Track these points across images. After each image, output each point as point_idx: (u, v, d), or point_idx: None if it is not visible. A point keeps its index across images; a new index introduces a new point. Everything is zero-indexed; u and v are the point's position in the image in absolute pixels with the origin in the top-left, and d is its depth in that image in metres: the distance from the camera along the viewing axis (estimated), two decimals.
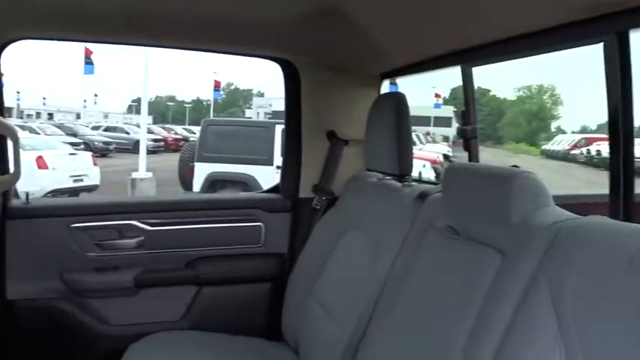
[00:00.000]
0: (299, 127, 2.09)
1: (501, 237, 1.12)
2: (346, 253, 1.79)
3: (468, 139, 1.64)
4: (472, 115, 1.66)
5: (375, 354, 1.35)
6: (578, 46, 1.30)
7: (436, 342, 1.16)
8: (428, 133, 22.20)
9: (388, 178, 1.84)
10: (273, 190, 2.21)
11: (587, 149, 15.82)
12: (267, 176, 6.89)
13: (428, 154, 11.38)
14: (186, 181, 8.46)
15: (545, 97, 35.04)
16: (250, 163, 7.53)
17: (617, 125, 1.25)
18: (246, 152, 7.62)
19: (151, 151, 18.53)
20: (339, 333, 1.54)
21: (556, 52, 1.46)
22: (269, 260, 2.11)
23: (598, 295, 0.86)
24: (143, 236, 1.95)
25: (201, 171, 7.83)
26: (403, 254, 1.44)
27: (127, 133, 20.39)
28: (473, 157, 1.65)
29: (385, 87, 2.16)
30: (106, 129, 21.10)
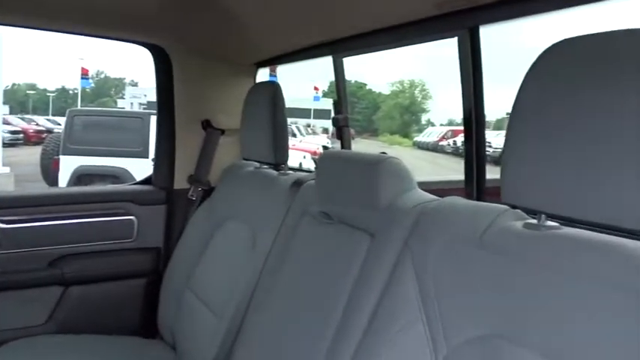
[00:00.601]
0: (172, 116, 2.02)
1: (371, 220, 1.17)
2: (223, 244, 1.77)
3: (340, 128, 1.69)
4: (344, 105, 1.72)
5: (252, 343, 1.35)
6: (437, 39, 1.40)
7: (307, 333, 1.19)
8: (308, 125, 22.60)
9: (264, 167, 1.85)
10: (146, 181, 2.12)
11: (454, 140, 17.11)
12: (143, 169, 6.58)
13: (308, 146, 11.58)
14: (50, 176, 7.79)
15: (416, 92, 37.22)
16: (123, 155, 7.11)
17: (471, 116, 1.36)
18: (118, 144, 7.18)
19: (8, 144, 16.83)
20: (217, 325, 1.53)
21: (426, 48, 1.55)
22: (143, 255, 2.02)
23: (455, 269, 0.93)
24: None
25: (68, 165, 7.25)
26: (279, 242, 1.46)
27: None
28: (345, 144, 1.71)
29: (265, 77, 2.16)
30: None
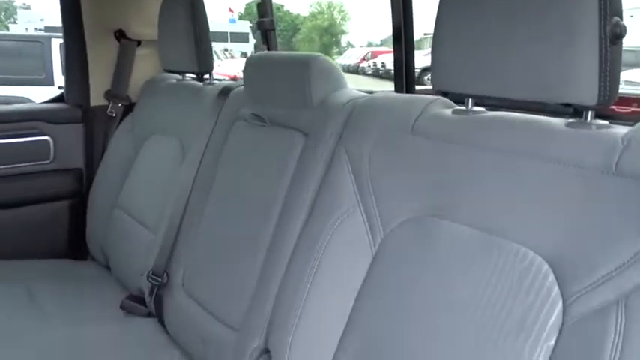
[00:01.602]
0: (80, 26, 1.87)
1: (303, 119, 1.18)
2: (150, 159, 1.72)
3: (266, 32, 1.64)
4: (268, 7, 1.66)
5: (188, 255, 1.36)
6: None
7: (246, 233, 1.21)
8: (226, 50, 21.79)
9: (188, 78, 1.78)
10: (59, 99, 1.99)
11: (374, 62, 17.20)
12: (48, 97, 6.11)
13: (227, 70, 11.24)
14: None
15: (335, 13, 36.60)
16: (23, 83, 6.55)
17: (400, 28, 1.37)
18: (16, 72, 6.58)
19: None
20: (151, 239, 1.51)
21: None
22: (63, 177, 1.92)
23: (389, 157, 0.96)
24: None
25: None
26: (209, 152, 1.43)
27: None
28: (272, 47, 1.67)
29: None
30: None
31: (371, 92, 1.16)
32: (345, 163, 1.03)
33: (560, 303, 0.70)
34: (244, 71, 1.34)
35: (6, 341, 1.29)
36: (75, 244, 1.92)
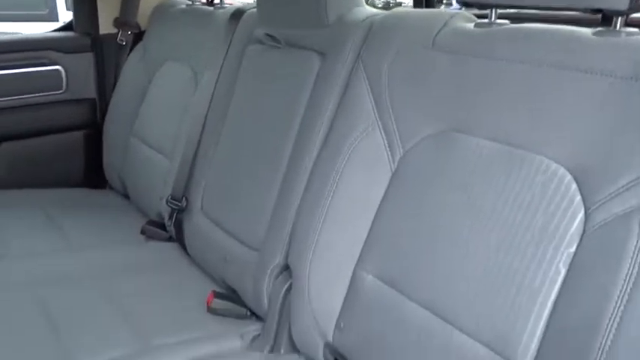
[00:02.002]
0: None
1: (320, 38, 1.15)
2: (164, 87, 1.71)
3: None
4: None
5: (207, 175, 1.37)
6: None
7: (264, 155, 1.21)
8: None
9: (197, 3, 1.74)
10: (67, 27, 1.95)
11: None
12: None
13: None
14: None
15: None
16: (25, 19, 6.38)
17: None
18: (14, 6, 6.39)
19: None
20: (168, 165, 1.53)
21: None
22: (77, 107, 1.92)
23: (408, 73, 0.95)
24: None
25: None
26: (224, 76, 1.42)
27: None
28: None
29: None
30: None
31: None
32: (363, 81, 1.01)
33: (582, 211, 0.70)
34: None
35: (28, 262, 1.33)
36: (92, 174, 1.94)
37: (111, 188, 1.90)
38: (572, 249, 0.70)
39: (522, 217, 0.75)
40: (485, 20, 0.90)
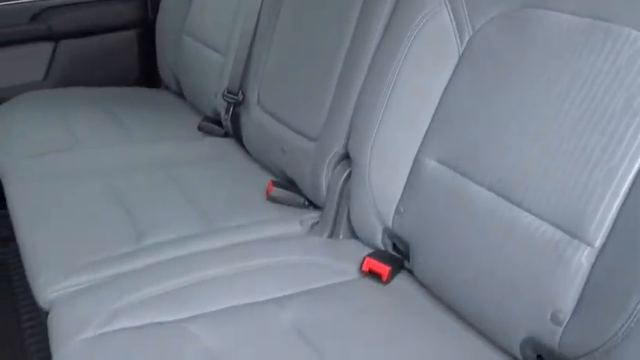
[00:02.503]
0: None
1: None
2: None
3: None
4: None
5: (263, 67, 1.36)
6: None
7: (323, 42, 1.18)
8: None
9: None
10: None
11: None
12: None
13: None
14: None
15: None
16: None
17: None
18: None
19: None
20: (223, 61, 1.51)
21: None
22: (129, 4, 1.91)
23: None
24: None
25: None
26: None
27: None
28: None
29: None
30: None
31: None
32: None
33: None
34: None
35: (95, 153, 1.38)
36: (147, 73, 1.96)
37: (166, 87, 1.92)
38: None
39: (603, 93, 0.71)
40: None
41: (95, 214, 1.10)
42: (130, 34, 1.94)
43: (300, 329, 0.83)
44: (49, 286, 0.89)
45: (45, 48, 1.82)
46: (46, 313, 0.88)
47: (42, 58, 1.83)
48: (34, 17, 1.77)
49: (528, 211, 0.76)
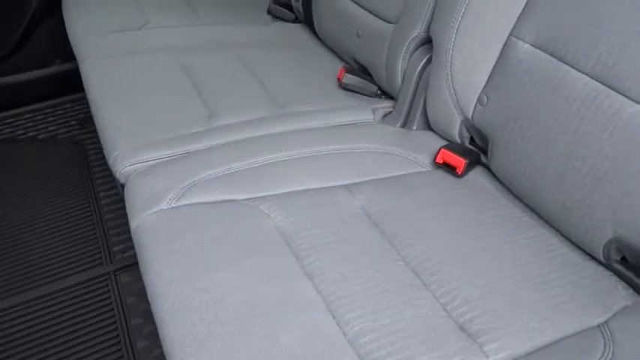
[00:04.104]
0: None
1: None
2: None
3: None
4: None
5: None
6: None
7: None
8: None
9: None
10: None
11: None
12: None
13: None
14: None
15: None
16: None
17: None
18: None
19: None
20: None
21: None
22: None
23: None
24: None
25: None
26: None
27: None
28: None
29: None
30: None
31: None
32: None
33: None
34: None
35: (166, 32, 1.36)
36: None
37: None
38: None
39: None
40: None
41: (168, 91, 1.09)
42: None
43: (370, 215, 0.82)
44: (125, 159, 0.91)
45: None
46: (122, 186, 0.90)
47: None
48: None
49: (636, 100, 0.68)
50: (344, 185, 0.87)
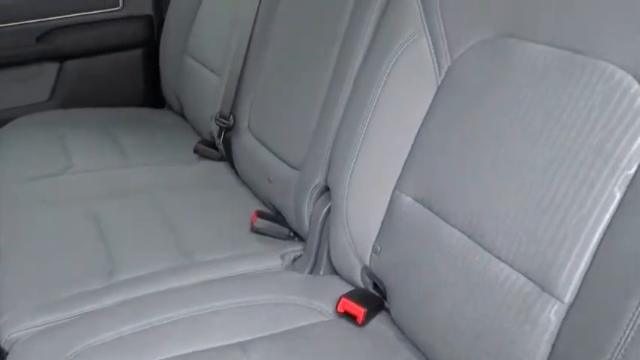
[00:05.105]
0: None
1: None
2: (214, 2, 1.65)
3: None
4: None
5: (254, 91, 1.33)
6: None
7: (308, 69, 1.15)
8: None
9: None
10: None
11: None
12: None
13: None
14: None
15: None
16: None
17: None
18: None
19: None
20: (217, 82, 1.50)
21: None
22: (134, 24, 1.91)
23: None
24: None
25: None
26: None
27: None
28: None
29: None
30: None
31: None
32: None
33: None
34: None
35: (86, 178, 1.38)
36: (151, 93, 1.96)
37: (170, 107, 1.91)
38: (632, 170, 0.60)
39: (577, 134, 0.65)
40: None
41: (71, 245, 1.08)
42: (136, 54, 1.94)
43: None
44: (12, 326, 0.88)
45: (50, 68, 1.84)
46: (6, 354, 0.86)
47: (48, 78, 1.85)
48: (40, 37, 1.79)
49: (499, 258, 0.70)
50: (238, 343, 0.85)
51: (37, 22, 1.77)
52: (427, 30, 0.87)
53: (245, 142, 1.33)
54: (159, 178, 1.40)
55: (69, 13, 1.79)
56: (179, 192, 1.32)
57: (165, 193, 1.31)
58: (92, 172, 1.41)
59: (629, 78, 0.62)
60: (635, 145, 0.60)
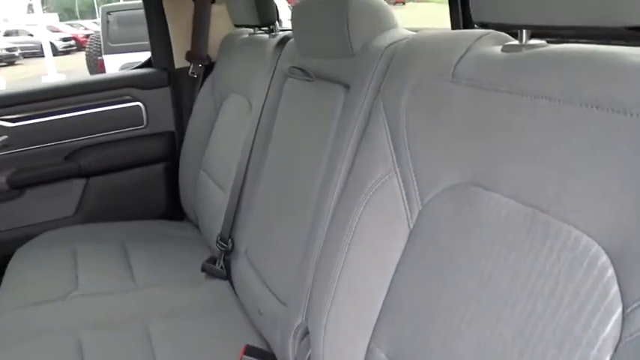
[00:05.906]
0: None
1: (345, 69, 1.03)
2: (226, 119, 1.69)
3: None
4: None
5: (251, 216, 1.31)
6: None
7: (295, 200, 1.12)
8: None
9: (259, 32, 1.69)
10: (146, 64, 2.02)
11: None
12: None
13: None
14: None
15: None
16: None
17: None
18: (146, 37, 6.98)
19: (62, 52, 17.10)
20: (223, 199, 1.49)
21: None
22: (157, 140, 1.98)
23: (426, 111, 0.79)
24: (6, 134, 1.77)
25: (113, 64, 7.24)
26: (267, 109, 1.35)
27: (31, 35, 18.54)
28: None
29: None
30: (6, 34, 19.06)
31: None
32: (382, 120, 0.87)
33: (620, 309, 0.51)
34: (292, 19, 1.21)
35: (83, 302, 1.36)
36: (172, 205, 1.99)
37: (189, 220, 1.92)
38: (607, 359, 0.51)
39: (543, 308, 0.56)
40: (516, 42, 0.72)
41: None
42: (158, 168, 1.99)
43: None
44: None
45: (77, 185, 1.91)
46: None
47: (74, 194, 1.91)
48: (69, 156, 1.88)
49: None
50: None
51: (67, 142, 1.86)
52: (398, 171, 0.83)
53: (241, 269, 1.29)
54: (157, 304, 1.37)
55: (97, 133, 1.88)
56: (174, 320, 1.28)
57: (158, 323, 1.27)
58: (93, 297, 1.40)
59: (596, 247, 0.54)
60: (606, 331, 0.51)
